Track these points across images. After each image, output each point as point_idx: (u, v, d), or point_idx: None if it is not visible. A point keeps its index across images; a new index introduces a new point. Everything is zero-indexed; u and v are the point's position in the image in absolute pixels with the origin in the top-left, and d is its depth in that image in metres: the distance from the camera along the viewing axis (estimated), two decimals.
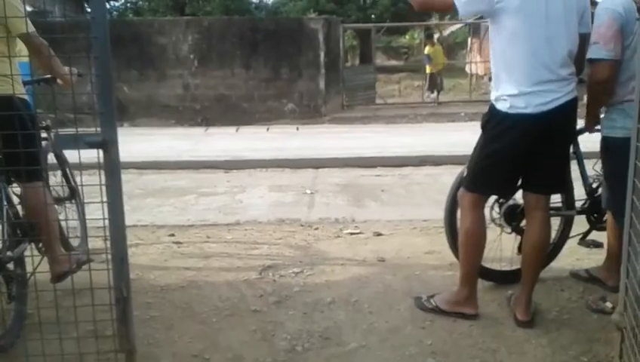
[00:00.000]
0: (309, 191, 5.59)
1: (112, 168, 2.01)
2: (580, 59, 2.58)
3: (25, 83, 2.94)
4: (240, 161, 7.05)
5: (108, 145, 1.97)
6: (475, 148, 2.60)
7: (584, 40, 2.55)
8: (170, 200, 5.35)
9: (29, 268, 2.56)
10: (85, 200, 3.31)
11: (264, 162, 6.95)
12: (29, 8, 2.99)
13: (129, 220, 2.12)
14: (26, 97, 2.79)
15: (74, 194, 3.37)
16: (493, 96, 2.52)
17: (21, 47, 2.75)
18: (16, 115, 2.52)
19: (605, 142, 2.65)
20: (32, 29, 2.63)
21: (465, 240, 2.64)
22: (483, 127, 2.55)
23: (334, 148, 7.64)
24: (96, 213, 1.99)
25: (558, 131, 2.46)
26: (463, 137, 8.29)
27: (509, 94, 2.41)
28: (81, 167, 2.25)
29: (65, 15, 13.34)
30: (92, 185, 2.02)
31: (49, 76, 3.04)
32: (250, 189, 5.78)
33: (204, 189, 5.80)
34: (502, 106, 2.44)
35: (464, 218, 2.64)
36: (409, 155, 7.07)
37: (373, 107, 12.58)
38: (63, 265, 2.75)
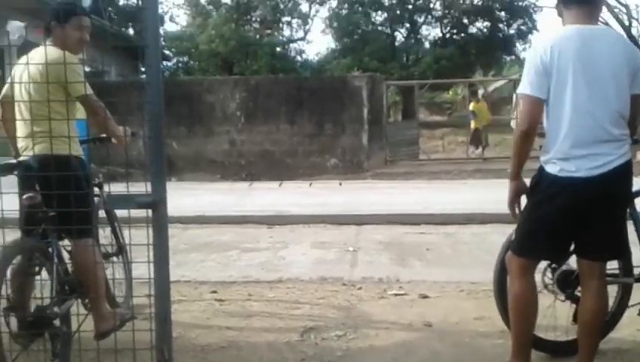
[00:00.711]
0: (351, 249, 5.52)
1: (160, 227, 2.04)
2: (633, 119, 2.49)
3: (81, 142, 3.07)
4: (283, 216, 7.07)
5: (157, 205, 2.00)
6: (523, 211, 2.51)
7: (637, 101, 2.48)
8: (213, 255, 5.38)
9: (73, 326, 2.59)
10: (132, 257, 3.41)
11: (307, 218, 6.94)
12: (87, 68, 3.17)
13: (172, 275, 2.12)
14: (82, 156, 2.91)
15: (121, 250, 3.43)
16: (543, 158, 2.45)
17: (79, 106, 2.89)
18: (72, 174, 2.63)
19: None
20: (89, 91, 2.77)
21: (515, 308, 2.52)
22: (531, 188, 2.47)
23: (377, 204, 7.59)
24: (140, 268, 2.01)
25: (611, 195, 2.35)
26: None
27: (558, 158, 2.34)
28: (130, 223, 2.31)
29: (121, 75, 14.07)
30: (139, 244, 2.06)
31: (104, 135, 3.18)
32: (293, 245, 5.76)
33: (247, 244, 5.82)
34: (551, 169, 2.37)
35: (513, 284, 2.53)
36: (454, 213, 6.93)
37: (417, 163, 12.54)
38: (108, 322, 2.78)
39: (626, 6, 23.50)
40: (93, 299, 2.80)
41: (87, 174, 2.89)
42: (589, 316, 2.46)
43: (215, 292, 4.07)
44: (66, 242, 2.84)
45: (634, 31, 23.73)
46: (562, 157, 2.33)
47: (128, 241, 2.38)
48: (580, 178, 2.31)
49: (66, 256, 2.84)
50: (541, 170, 2.43)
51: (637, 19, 24.81)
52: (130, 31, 22.76)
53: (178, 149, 11.13)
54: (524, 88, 2.38)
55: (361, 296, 3.95)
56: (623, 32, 23.97)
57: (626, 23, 23.56)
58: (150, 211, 2.01)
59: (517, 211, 2.53)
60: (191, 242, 5.90)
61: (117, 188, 2.24)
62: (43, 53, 2.58)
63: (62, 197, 2.41)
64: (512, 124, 19.64)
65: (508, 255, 2.61)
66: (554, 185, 2.36)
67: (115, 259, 3.44)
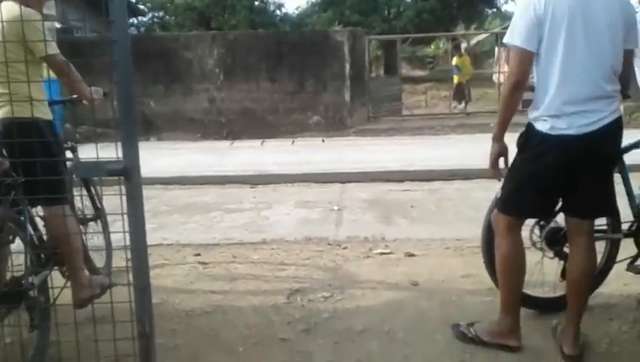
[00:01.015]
0: (336, 208, 5.46)
1: (134, 196, 1.92)
2: (626, 75, 2.41)
3: (50, 103, 2.90)
4: (266, 175, 6.97)
5: (130, 172, 1.88)
6: (510, 169, 2.43)
7: (630, 56, 2.38)
8: (196, 216, 5.28)
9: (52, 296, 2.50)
10: (111, 224, 3.30)
11: (290, 177, 6.85)
12: (57, 25, 2.96)
13: (154, 239, 2.05)
14: (50, 118, 2.74)
15: (99, 214, 3.31)
16: (531, 115, 2.35)
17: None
18: (40, 137, 2.48)
19: None
20: (54, 50, 2.59)
21: (503, 267, 2.48)
22: (520, 146, 2.39)
23: (361, 162, 7.51)
24: (119, 234, 1.91)
25: (601, 153, 2.29)
26: None
27: (549, 115, 2.26)
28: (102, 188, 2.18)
29: (95, 31, 13.53)
30: (113, 213, 1.95)
31: (74, 96, 3.00)
32: (276, 205, 5.68)
33: (229, 205, 5.73)
34: (541, 127, 2.28)
35: (500, 243, 2.48)
36: (438, 169, 6.90)
37: (400, 118, 12.43)
38: (87, 290, 2.69)
39: None
40: (71, 268, 2.70)
41: (57, 138, 2.74)
42: (577, 273, 2.44)
43: (198, 254, 4.00)
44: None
45: None
46: (553, 114, 2.25)
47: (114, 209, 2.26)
48: (572, 135, 2.23)
49: (40, 223, 2.72)
50: (530, 127, 2.35)
51: None
52: None
53: (156, 108, 10.84)
54: (514, 39, 2.26)
55: (346, 255, 3.91)
56: None
57: None
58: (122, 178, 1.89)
59: (498, 171, 2.45)
60: (172, 203, 5.78)
61: (89, 150, 2.10)
62: (1, 10, 2.39)
63: (30, 163, 2.27)
64: (494, 78, 19.56)
65: (494, 213, 2.56)
66: (544, 143, 2.29)
67: (93, 223, 3.33)
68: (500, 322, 2.51)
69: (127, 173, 1.88)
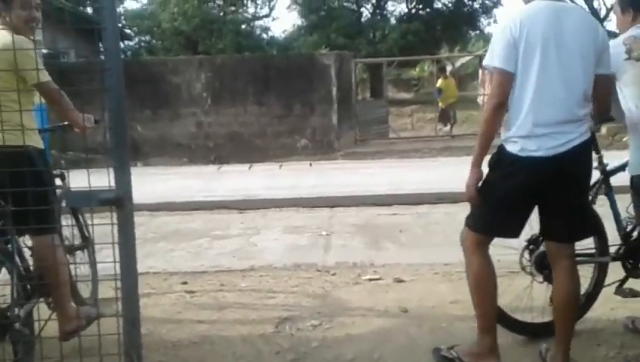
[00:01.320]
0: (324, 233, 5.45)
1: (126, 225, 1.91)
2: (606, 99, 2.47)
3: (40, 131, 2.88)
4: (254, 200, 6.96)
5: (122, 201, 1.87)
6: (481, 188, 2.44)
7: (608, 80, 2.44)
8: (183, 243, 5.25)
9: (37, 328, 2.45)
10: (97, 252, 3.26)
11: (278, 201, 6.84)
12: (44, 50, 2.97)
13: (141, 267, 2.01)
14: (42, 147, 2.73)
15: (87, 243, 3.28)
16: (503, 136, 2.40)
17: (37, 93, 2.71)
18: (31, 165, 2.47)
19: (632, 181, 2.51)
20: (46, 78, 2.59)
21: (476, 285, 2.50)
22: (491, 166, 2.42)
23: (349, 186, 7.53)
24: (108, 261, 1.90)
25: (571, 174, 2.33)
26: None
27: (520, 135, 2.30)
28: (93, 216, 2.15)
29: (82, 57, 13.52)
30: (104, 243, 1.93)
31: (65, 123, 2.99)
32: (265, 231, 5.67)
33: (217, 231, 5.70)
34: (512, 148, 2.32)
35: (470, 260, 2.51)
36: (425, 192, 6.92)
37: (387, 141, 12.52)
38: (73, 322, 2.64)
39: None
40: (57, 299, 2.66)
41: (48, 167, 2.72)
42: (562, 297, 2.45)
43: (186, 283, 3.96)
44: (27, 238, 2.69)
45: (595, 4, 24.11)
46: (524, 135, 2.29)
47: (103, 238, 2.24)
48: (541, 157, 2.27)
49: (27, 253, 2.68)
50: (501, 148, 2.39)
51: None
52: (89, 10, 21.96)
53: (143, 133, 10.82)
54: (493, 61, 2.31)
55: (335, 282, 3.90)
56: (585, 6, 24.31)
57: None
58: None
59: (477, 197, 2.45)
60: (159, 230, 5.74)
61: (79, 177, 2.08)
62: None
63: (20, 192, 2.25)
64: (479, 100, 19.82)
65: (463, 230, 2.57)
66: (514, 164, 2.33)
67: (80, 253, 3.29)
68: (479, 343, 2.51)
69: (120, 202, 1.87)
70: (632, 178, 2.46)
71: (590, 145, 2.38)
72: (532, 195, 2.35)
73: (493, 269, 2.49)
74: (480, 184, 2.41)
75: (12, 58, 2.36)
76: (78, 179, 1.97)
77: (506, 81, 2.29)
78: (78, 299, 3.00)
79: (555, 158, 2.26)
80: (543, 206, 2.39)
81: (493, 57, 2.31)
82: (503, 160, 2.36)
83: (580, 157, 2.32)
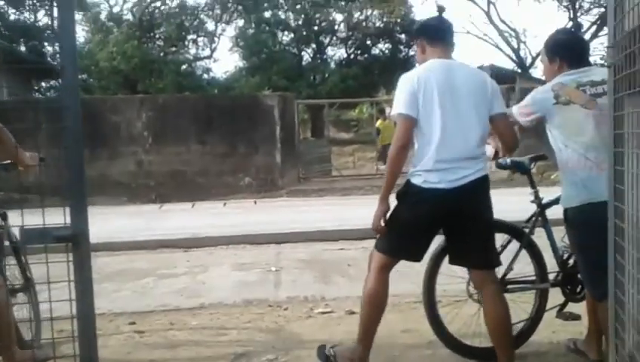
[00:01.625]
0: (273, 269, 5.45)
1: (82, 263, 1.88)
2: (508, 135, 2.76)
3: None
4: (199, 238, 6.87)
5: (79, 238, 1.85)
6: (391, 216, 2.68)
7: (505, 118, 2.73)
8: (128, 284, 5.09)
9: None
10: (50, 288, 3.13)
11: (224, 239, 6.78)
12: None
13: None
14: None
15: (29, 284, 3.14)
16: (409, 171, 2.66)
17: None
18: None
19: (565, 213, 2.71)
20: None
21: (368, 300, 2.75)
22: (398, 198, 2.67)
23: (294, 222, 7.57)
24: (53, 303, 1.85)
25: (471, 205, 2.61)
26: None
27: (424, 170, 2.56)
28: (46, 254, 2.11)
29: (13, 94, 13.06)
30: (59, 281, 1.89)
31: (8, 162, 2.91)
32: (212, 268, 5.59)
33: (163, 270, 5.57)
34: (417, 181, 2.59)
35: (370, 278, 2.75)
36: (369, 227, 7.04)
37: (329, 179, 12.72)
38: None
39: (515, 30, 25.58)
40: (3, 342, 2.53)
41: None
42: (494, 321, 2.66)
43: (134, 323, 3.85)
44: None
45: (522, 52, 25.85)
46: (427, 169, 2.56)
47: (45, 278, 2.17)
48: (442, 189, 2.55)
49: None
50: (408, 181, 2.64)
51: (524, 42, 27.02)
52: (22, 48, 21.32)
53: None
54: (399, 108, 2.59)
55: (288, 316, 3.90)
56: (512, 54, 25.93)
57: (515, 46, 25.63)
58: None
59: (383, 228, 2.67)
60: (101, 271, 5.53)
61: (17, 218, 2.04)
62: None
63: None
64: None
65: (372, 252, 2.82)
66: (418, 195, 2.58)
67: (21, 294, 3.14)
68: (354, 350, 2.77)
69: (76, 240, 1.85)
70: (565, 210, 2.66)
71: (487, 181, 2.68)
72: (434, 224, 2.65)
73: (387, 290, 2.76)
74: (389, 213, 2.67)
75: None
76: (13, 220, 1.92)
77: (410, 125, 2.58)
78: (21, 342, 2.86)
79: (454, 190, 2.55)
80: (448, 234, 2.71)
81: (399, 106, 2.60)
82: (408, 191, 2.62)
83: (476, 190, 2.61)
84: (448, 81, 2.58)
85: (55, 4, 1.68)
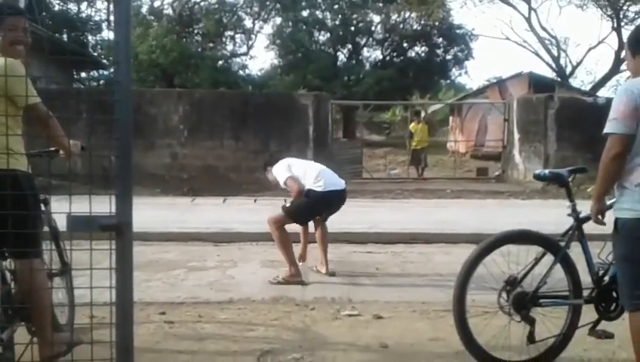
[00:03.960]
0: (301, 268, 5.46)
1: (125, 251, 1.94)
2: None
3: (27, 155, 2.88)
4: (230, 233, 6.94)
5: (122, 228, 1.90)
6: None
7: None
8: (159, 274, 5.19)
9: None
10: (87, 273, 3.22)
11: (254, 235, 6.83)
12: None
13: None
14: (28, 171, 2.73)
15: (66, 269, 3.23)
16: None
17: None
18: (18, 189, 2.46)
19: (615, 223, 2.64)
20: (37, 99, 2.60)
21: (282, 244, 4.98)
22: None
23: None
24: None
25: None
26: (451, 215, 8.40)
27: None
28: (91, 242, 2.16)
29: (55, 83, 13.43)
30: (102, 268, 1.94)
31: (53, 149, 3.00)
32: (242, 264, 5.65)
33: (193, 263, 5.66)
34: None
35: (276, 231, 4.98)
36: (400, 232, 7.04)
37: (360, 181, 12.70)
38: (54, 347, 2.60)
39: (555, 38, 25.11)
40: (39, 324, 2.61)
41: (34, 191, 2.71)
42: None
43: (163, 313, 3.92)
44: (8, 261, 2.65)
45: (562, 61, 25.33)
46: None
47: (84, 263, 2.24)
48: None
49: (8, 276, 2.65)
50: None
51: (564, 51, 26.50)
52: (65, 37, 21.91)
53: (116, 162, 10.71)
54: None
55: (314, 317, 3.92)
56: (552, 62, 25.40)
57: (555, 54, 25.14)
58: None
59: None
60: (134, 260, 5.64)
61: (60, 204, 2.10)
62: None
63: (7, 216, 2.25)
64: (449, 146, 20.35)
65: (275, 216, 4.31)
66: None
67: (58, 279, 3.24)
68: (290, 270, 4.83)
69: (120, 229, 1.90)
70: (617, 219, 2.57)
71: None
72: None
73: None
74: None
75: (2, 81, 2.38)
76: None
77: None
78: (55, 326, 2.95)
79: None
80: None
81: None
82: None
83: None
84: None
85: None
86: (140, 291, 4.56)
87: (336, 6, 25.58)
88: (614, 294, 2.90)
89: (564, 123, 11.54)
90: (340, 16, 25.82)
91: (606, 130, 2.53)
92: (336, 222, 7.54)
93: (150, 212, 8.37)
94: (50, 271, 3.17)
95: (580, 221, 2.98)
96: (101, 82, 24.11)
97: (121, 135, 1.90)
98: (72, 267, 3.21)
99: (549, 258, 2.97)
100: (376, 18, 26.41)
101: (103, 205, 1.87)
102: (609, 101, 2.79)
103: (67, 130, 2.83)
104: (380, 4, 25.72)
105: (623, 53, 2.78)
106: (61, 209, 2.08)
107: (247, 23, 25.91)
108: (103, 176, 1.97)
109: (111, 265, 1.91)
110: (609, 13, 22.90)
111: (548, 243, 2.99)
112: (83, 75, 24.10)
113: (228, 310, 4.07)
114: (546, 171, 3.10)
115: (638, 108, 2.46)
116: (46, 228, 3.13)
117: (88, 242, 2.01)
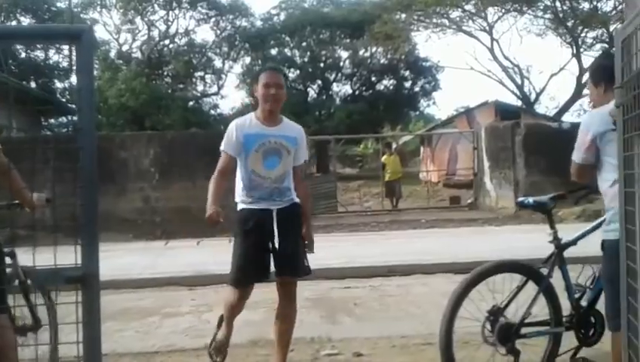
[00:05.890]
0: None
1: (91, 304, 1.86)
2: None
3: None
4: (204, 276, 6.80)
5: (89, 279, 1.83)
6: None
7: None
8: (133, 323, 5.02)
9: None
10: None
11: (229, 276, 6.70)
12: None
13: None
14: None
15: (37, 325, 3.10)
16: None
17: None
18: None
19: (602, 244, 2.66)
20: None
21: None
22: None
23: None
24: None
25: None
26: (427, 245, 8.41)
27: None
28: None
29: (20, 130, 13.20)
30: (67, 323, 1.86)
31: (16, 202, 2.91)
32: (217, 308, 5.48)
33: (168, 309, 5.50)
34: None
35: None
36: (377, 265, 7.01)
37: (336, 215, 12.69)
38: None
39: (518, 66, 25.89)
40: None
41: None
42: None
43: None
44: None
45: (526, 88, 26.09)
46: None
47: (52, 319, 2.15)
48: None
49: None
50: None
51: (528, 78, 27.34)
52: (32, 84, 21.72)
53: None
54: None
55: (293, 358, 3.83)
56: (516, 90, 26.13)
57: (519, 82, 25.89)
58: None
59: None
60: (106, 310, 5.41)
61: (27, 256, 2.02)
62: None
63: None
64: (421, 176, 20.59)
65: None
66: None
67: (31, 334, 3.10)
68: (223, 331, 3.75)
69: (86, 281, 1.83)
70: (604, 241, 2.59)
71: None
72: None
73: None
74: None
75: None
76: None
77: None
78: None
79: None
80: None
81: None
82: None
83: None
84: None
85: (73, 46, 1.70)
86: (114, 341, 4.41)
87: (304, 43, 26.05)
88: (592, 319, 2.90)
89: (532, 149, 11.79)
90: (308, 53, 26.29)
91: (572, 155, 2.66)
92: (313, 258, 7.50)
93: (123, 259, 8.19)
94: (23, 326, 3.05)
95: (561, 248, 3.00)
96: (70, 128, 23.83)
97: (85, 183, 1.85)
98: (42, 323, 3.10)
99: (530, 285, 2.96)
100: (344, 54, 26.98)
101: (72, 255, 1.81)
102: (574, 126, 2.88)
103: (33, 180, 2.76)
104: (347, 40, 26.30)
105: (584, 79, 2.87)
106: (28, 261, 2.00)
107: (217, 63, 26.17)
108: (71, 225, 1.90)
109: (77, 319, 1.83)
110: (568, 40, 23.76)
111: (531, 272, 2.98)
112: (52, 121, 23.83)
113: (204, 356, 3.94)
114: (530, 200, 3.11)
115: (595, 141, 2.55)
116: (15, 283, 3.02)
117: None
